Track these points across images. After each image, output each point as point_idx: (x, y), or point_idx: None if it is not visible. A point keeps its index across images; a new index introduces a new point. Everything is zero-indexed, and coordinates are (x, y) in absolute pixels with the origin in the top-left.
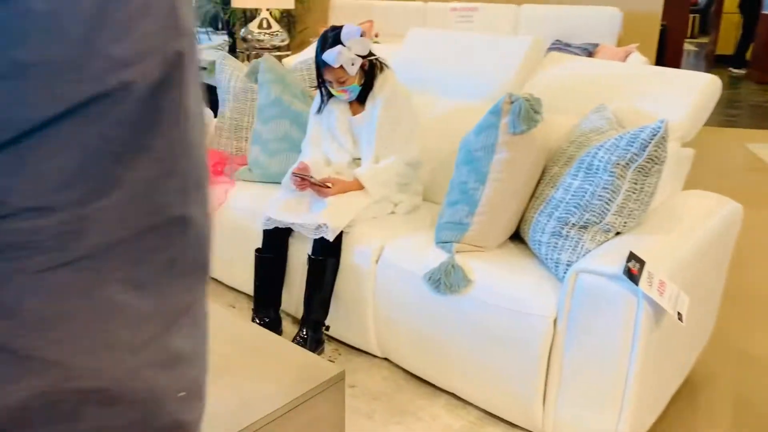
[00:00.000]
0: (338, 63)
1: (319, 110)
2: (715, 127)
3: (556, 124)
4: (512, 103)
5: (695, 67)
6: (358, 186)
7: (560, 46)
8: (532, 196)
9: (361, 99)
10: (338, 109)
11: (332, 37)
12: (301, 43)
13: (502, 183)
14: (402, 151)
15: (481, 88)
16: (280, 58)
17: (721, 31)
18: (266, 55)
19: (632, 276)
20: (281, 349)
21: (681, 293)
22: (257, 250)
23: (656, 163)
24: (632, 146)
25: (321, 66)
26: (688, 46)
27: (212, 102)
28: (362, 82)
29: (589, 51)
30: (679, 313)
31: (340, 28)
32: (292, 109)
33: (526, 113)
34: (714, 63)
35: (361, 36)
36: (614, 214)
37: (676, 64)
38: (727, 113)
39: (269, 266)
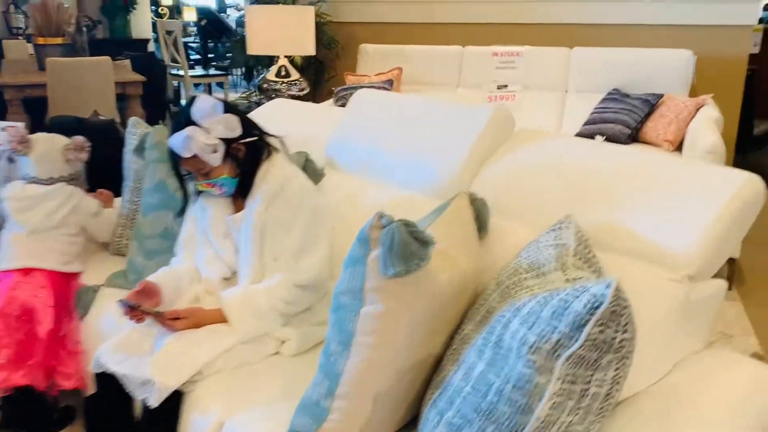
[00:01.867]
0: (188, 152)
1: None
2: None
3: (507, 241)
4: (383, 228)
5: None
6: (224, 316)
7: (617, 96)
8: (438, 365)
9: (244, 192)
10: (214, 206)
11: (183, 115)
12: (329, 92)
13: (372, 351)
14: (292, 268)
15: (425, 174)
16: None
17: None
18: (159, 125)
19: None
20: None
21: None
22: (87, 398)
23: (607, 351)
24: (559, 322)
25: (173, 154)
26: None
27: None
28: (238, 172)
29: (651, 103)
30: None
31: (192, 100)
32: (177, 198)
33: (402, 247)
34: None
35: (229, 110)
36: None
37: None
38: None
39: (104, 419)
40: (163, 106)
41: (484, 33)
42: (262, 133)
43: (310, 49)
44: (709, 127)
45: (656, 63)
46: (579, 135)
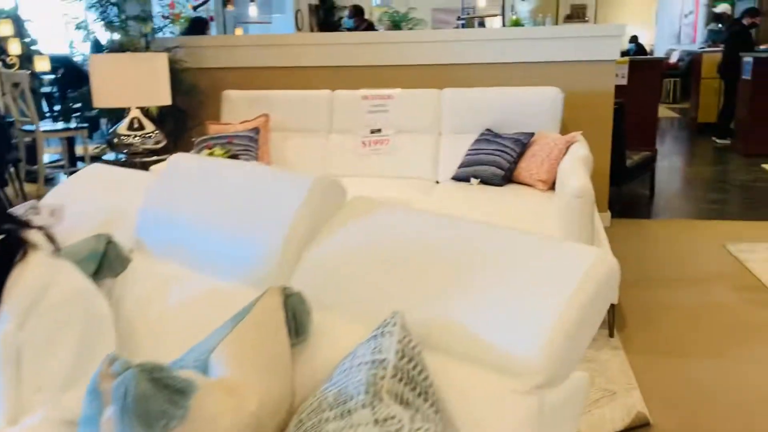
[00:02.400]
0: None
1: None
2: (693, 219)
3: (335, 346)
4: (116, 376)
5: (677, 138)
6: None
7: (488, 137)
8: None
9: None
10: None
11: None
12: (191, 143)
13: None
14: (59, 401)
15: (244, 259)
16: (151, 164)
17: (702, 97)
18: None
19: None
20: None
21: None
22: None
23: None
24: None
25: None
26: (671, 113)
27: None
28: None
29: (523, 142)
30: None
31: None
32: None
33: (140, 403)
34: (697, 131)
35: None
36: None
37: (647, 140)
38: (709, 198)
39: None
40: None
41: (354, 76)
42: (15, 226)
43: (166, 99)
44: (577, 168)
45: (526, 101)
46: (455, 178)
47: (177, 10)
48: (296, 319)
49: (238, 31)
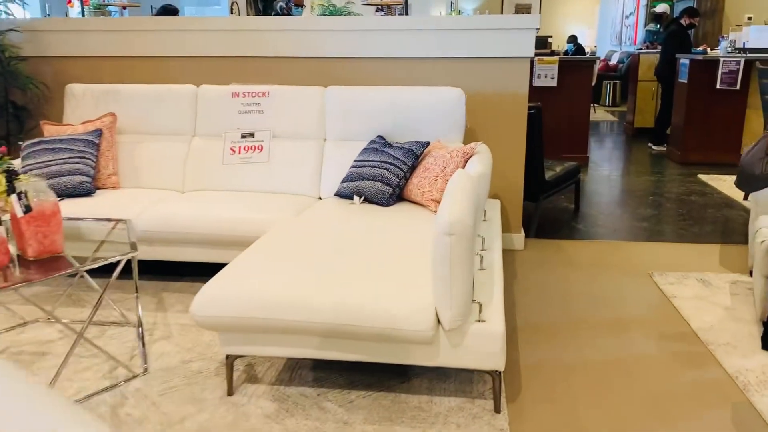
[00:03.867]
0: None
1: None
2: (619, 240)
3: None
4: None
5: (614, 143)
6: None
7: (377, 146)
8: None
9: None
10: None
11: None
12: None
13: None
14: None
15: None
16: None
17: (638, 101)
18: None
19: None
20: None
21: None
22: None
23: None
24: None
25: None
26: (610, 117)
27: None
28: None
29: (416, 153)
30: None
31: None
32: None
33: None
34: (633, 136)
35: None
36: None
37: (579, 147)
38: (639, 214)
39: None
40: None
41: (223, 69)
42: None
43: None
44: (457, 194)
45: (423, 103)
46: (338, 195)
47: None
48: None
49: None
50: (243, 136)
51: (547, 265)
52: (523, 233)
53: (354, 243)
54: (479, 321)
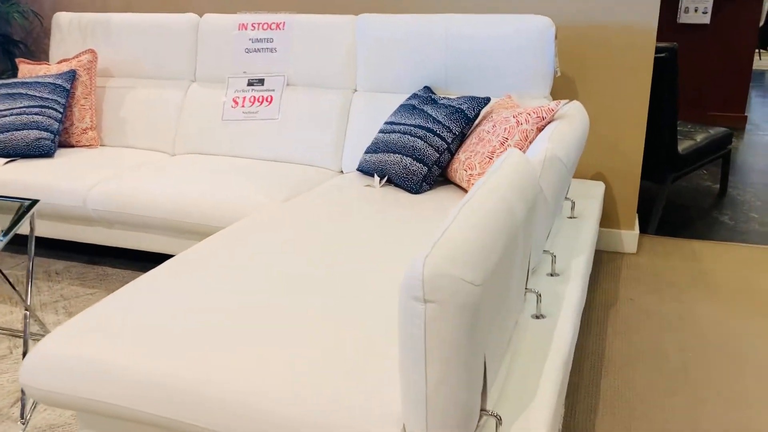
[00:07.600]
0: None
1: None
2: None
3: None
4: None
5: None
6: None
7: (418, 102)
8: None
9: None
10: None
11: None
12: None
13: None
14: None
15: None
16: None
17: None
18: None
19: None
20: None
21: None
22: None
23: None
24: None
25: None
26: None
27: None
28: None
29: (468, 116)
30: None
31: None
32: None
33: None
34: None
35: None
36: None
37: (735, 104)
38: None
39: None
40: None
41: None
42: None
43: None
44: (474, 211)
45: (492, 38)
46: (360, 170)
47: None
48: None
49: None
50: (250, 83)
51: (667, 282)
52: (637, 229)
53: (327, 274)
54: None
